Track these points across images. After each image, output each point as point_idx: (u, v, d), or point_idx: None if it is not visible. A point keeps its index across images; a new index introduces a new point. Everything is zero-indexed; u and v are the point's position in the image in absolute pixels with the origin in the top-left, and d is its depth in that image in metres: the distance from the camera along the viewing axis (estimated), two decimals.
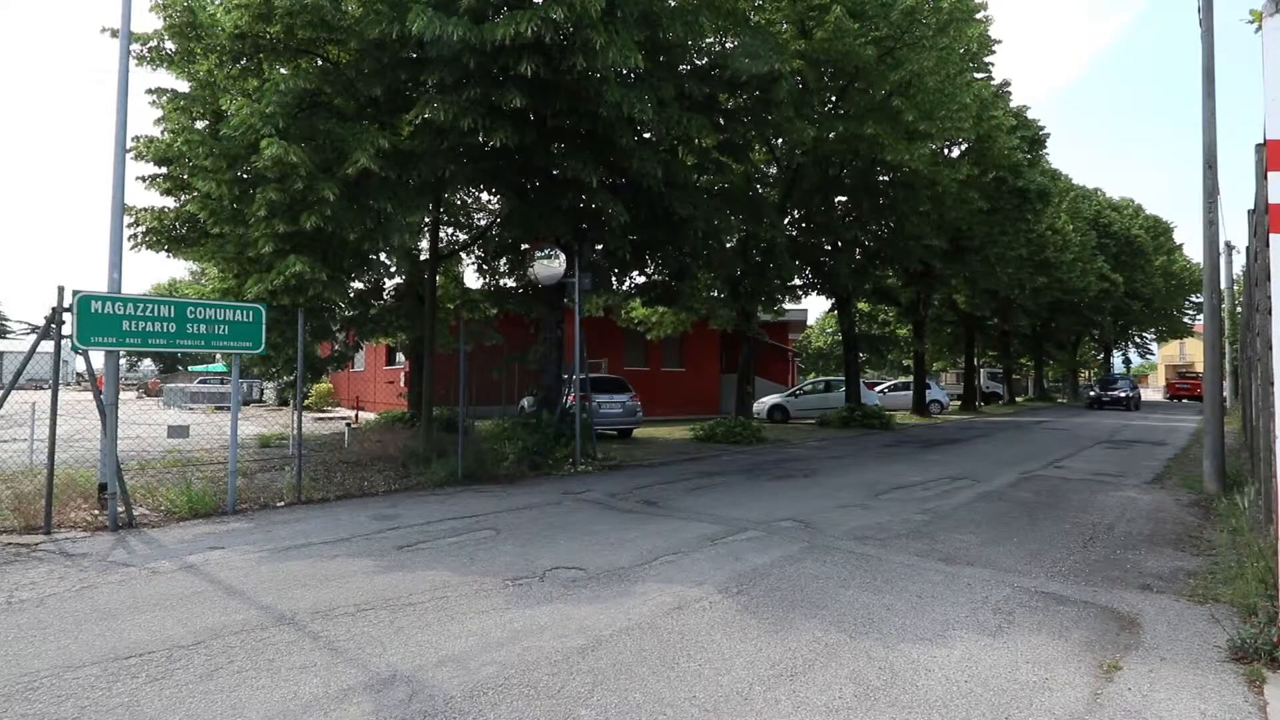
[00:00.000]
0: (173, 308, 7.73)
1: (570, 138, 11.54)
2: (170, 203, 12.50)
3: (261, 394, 33.42)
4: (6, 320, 41.84)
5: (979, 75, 20.02)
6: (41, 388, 9.90)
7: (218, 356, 35.70)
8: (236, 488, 8.12)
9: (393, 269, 15.94)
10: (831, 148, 17.46)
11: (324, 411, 27.70)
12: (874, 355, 37.77)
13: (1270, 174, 3.73)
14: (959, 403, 35.36)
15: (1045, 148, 28.32)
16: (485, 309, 16.92)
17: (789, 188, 19.39)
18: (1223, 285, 20.60)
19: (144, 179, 11.98)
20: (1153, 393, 65.83)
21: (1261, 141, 4.08)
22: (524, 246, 13.87)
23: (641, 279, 17.22)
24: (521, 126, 10.72)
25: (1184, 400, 48.16)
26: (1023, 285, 29.80)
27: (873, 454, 14.57)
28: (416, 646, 4.01)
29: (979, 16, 18.32)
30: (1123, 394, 34.89)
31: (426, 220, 14.98)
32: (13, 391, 6.98)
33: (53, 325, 6.99)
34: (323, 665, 3.75)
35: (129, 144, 10.27)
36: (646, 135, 12.08)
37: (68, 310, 6.97)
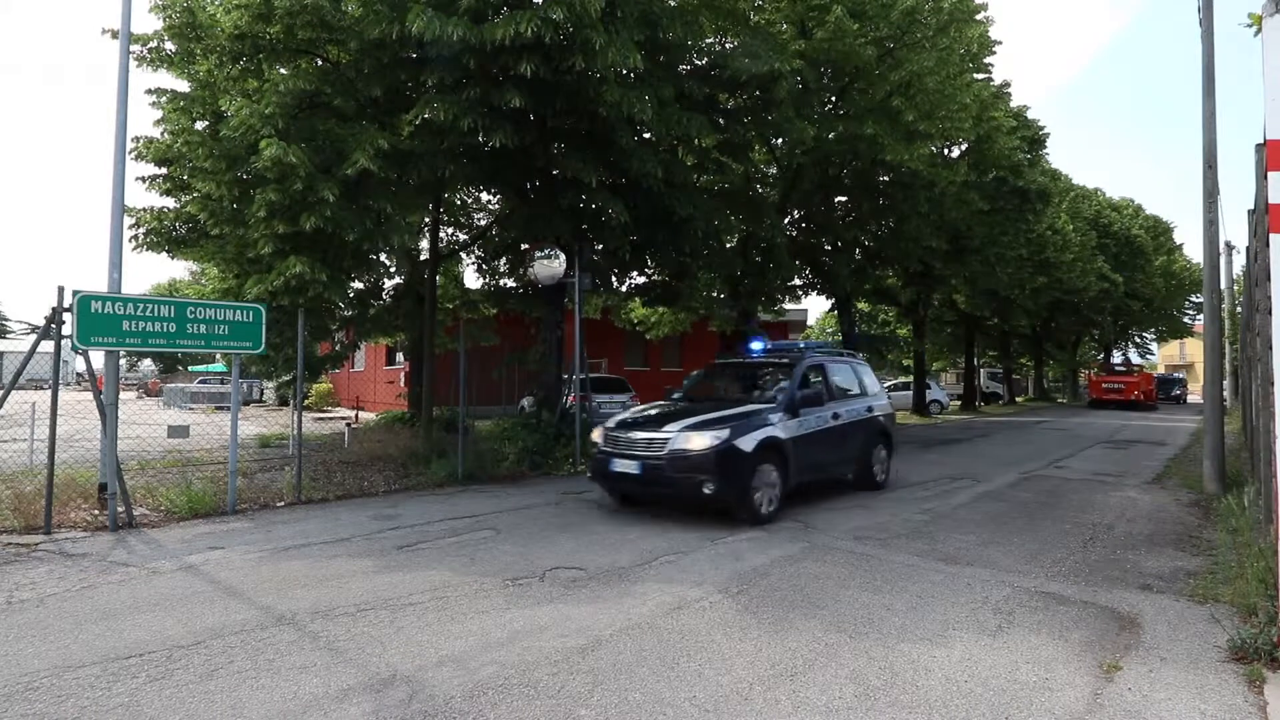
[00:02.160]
0: (173, 308, 7.73)
1: (570, 138, 11.54)
2: (170, 203, 12.51)
3: (261, 394, 33.40)
4: (6, 320, 41.78)
5: (979, 76, 19.98)
6: (42, 388, 9.90)
7: (218, 356, 35.69)
8: (236, 488, 8.12)
9: (392, 269, 15.95)
10: (831, 148, 17.46)
11: (324, 411, 27.69)
12: (874, 355, 37.71)
13: (1270, 174, 3.73)
14: (959, 403, 35.35)
15: (1045, 148, 28.32)
16: (485, 309, 16.92)
17: (789, 188, 19.40)
18: (1223, 285, 20.58)
19: (144, 179, 12.00)
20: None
21: (1261, 141, 4.08)
22: (524, 246, 13.86)
23: (641, 279, 17.23)
24: (521, 127, 10.72)
25: (1111, 407, 33.74)
26: (1023, 285, 29.78)
27: None
28: (416, 646, 4.01)
29: (979, 17, 18.31)
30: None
31: (426, 220, 14.99)
32: (13, 391, 6.98)
33: (53, 325, 6.99)
34: (323, 665, 3.75)
35: (129, 144, 10.28)
36: (646, 135, 12.08)
37: (68, 310, 6.97)
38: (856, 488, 9.51)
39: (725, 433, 7.34)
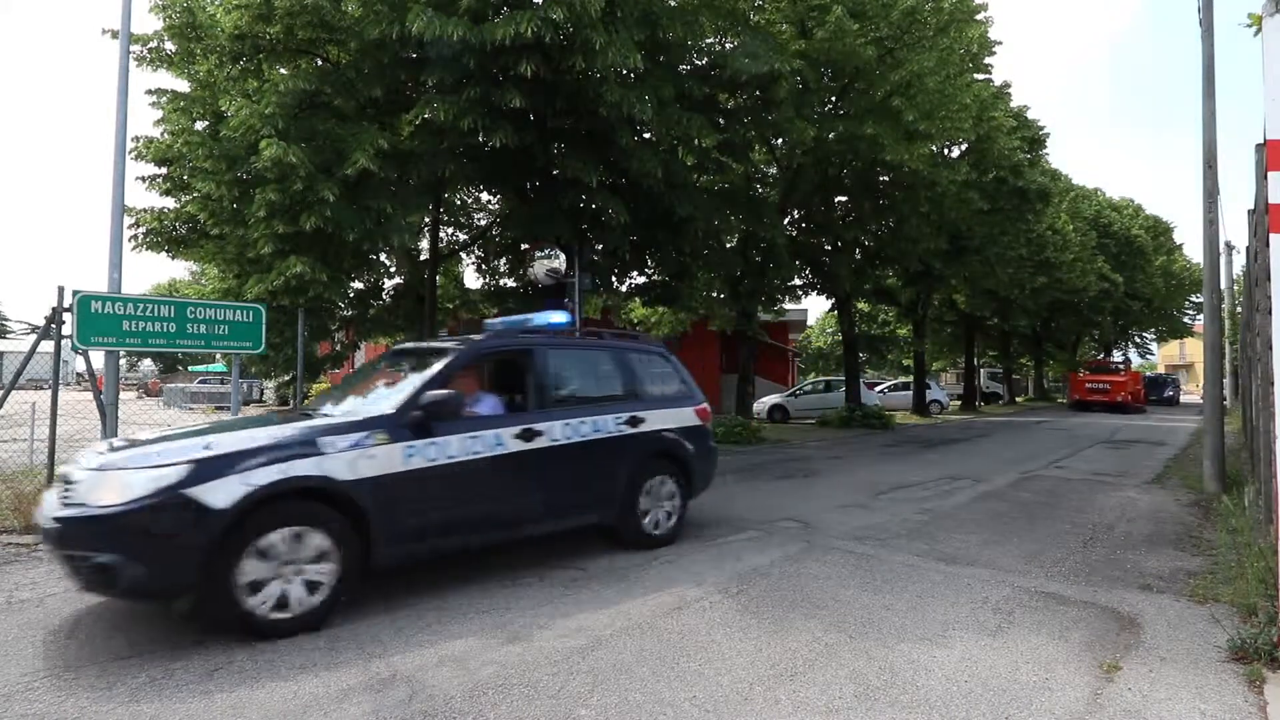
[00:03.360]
0: (173, 308, 7.74)
1: (570, 138, 11.54)
2: (170, 203, 12.53)
3: (261, 394, 33.43)
4: (6, 320, 41.81)
5: (979, 76, 19.98)
6: (42, 388, 9.90)
7: (218, 356, 35.70)
8: None
9: (392, 269, 15.97)
10: (831, 148, 17.46)
11: None
12: (874, 355, 37.72)
13: (1270, 174, 3.73)
14: (959, 403, 35.35)
15: (1045, 148, 28.31)
16: (485, 309, 16.94)
17: (789, 188, 19.40)
18: (1223, 285, 20.57)
19: (144, 179, 12.01)
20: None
21: (1261, 141, 4.09)
22: (524, 246, 13.87)
23: (641, 279, 17.25)
24: (521, 126, 10.73)
25: (1095, 409, 31.17)
26: (1023, 285, 29.78)
27: (873, 454, 14.57)
28: (416, 646, 4.01)
29: (979, 18, 18.32)
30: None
31: (426, 220, 14.99)
32: (13, 391, 6.98)
33: (53, 325, 6.99)
34: (323, 665, 3.75)
35: (129, 144, 10.29)
36: (646, 135, 12.09)
37: (68, 310, 6.98)
38: (618, 544, 6.17)
39: (177, 472, 3.90)
